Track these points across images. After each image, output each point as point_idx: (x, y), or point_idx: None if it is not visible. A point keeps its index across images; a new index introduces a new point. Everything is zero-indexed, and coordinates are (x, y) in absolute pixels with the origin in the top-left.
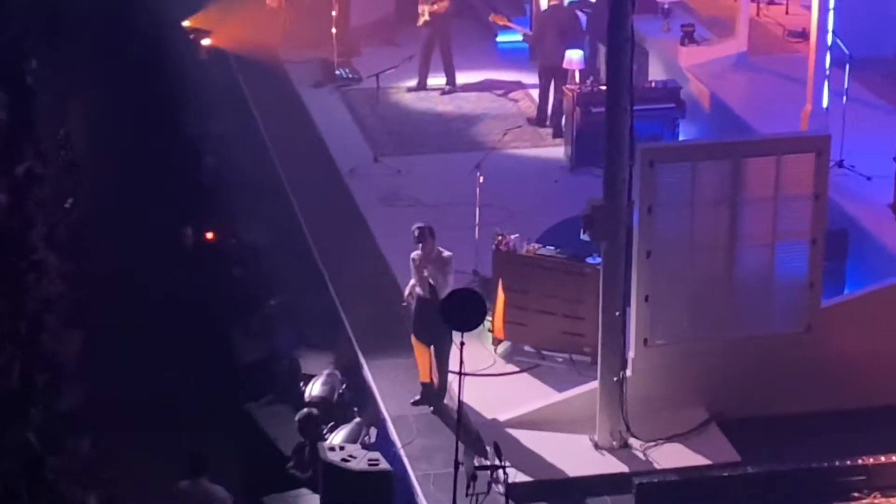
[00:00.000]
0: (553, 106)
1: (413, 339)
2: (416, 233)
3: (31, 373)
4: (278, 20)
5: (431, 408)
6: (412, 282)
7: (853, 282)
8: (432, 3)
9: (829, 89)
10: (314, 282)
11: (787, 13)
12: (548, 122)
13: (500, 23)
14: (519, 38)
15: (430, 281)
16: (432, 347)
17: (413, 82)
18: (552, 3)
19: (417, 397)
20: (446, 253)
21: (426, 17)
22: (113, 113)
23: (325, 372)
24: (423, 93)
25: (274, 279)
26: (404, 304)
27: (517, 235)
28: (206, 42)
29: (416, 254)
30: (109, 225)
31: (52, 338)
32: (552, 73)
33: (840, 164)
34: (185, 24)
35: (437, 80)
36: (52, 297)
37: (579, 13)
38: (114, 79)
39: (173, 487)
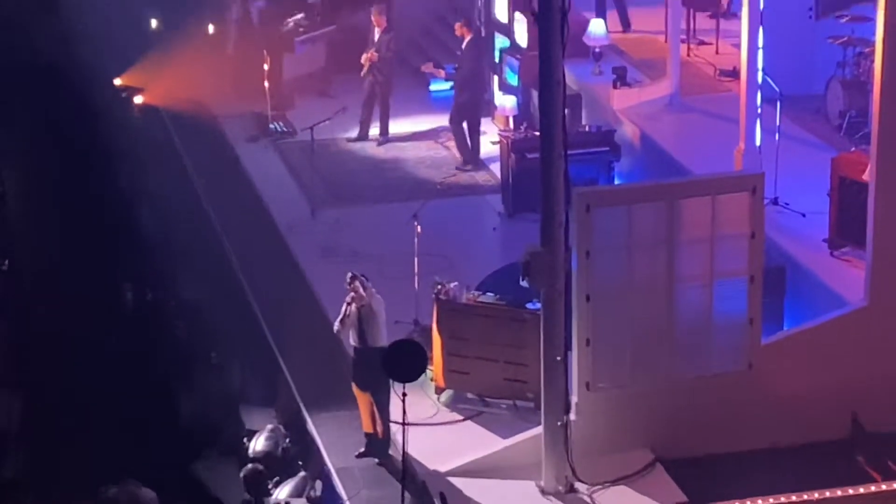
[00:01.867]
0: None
1: (354, 387)
2: (348, 279)
3: None
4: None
5: (377, 459)
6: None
7: (792, 318)
8: (370, 52)
9: (761, 127)
10: (255, 336)
11: (717, 53)
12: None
13: (429, 71)
14: (449, 85)
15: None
16: (371, 396)
17: (350, 133)
18: (469, 36)
19: (362, 449)
20: (378, 299)
21: (366, 66)
22: (47, 172)
23: (269, 427)
24: (359, 144)
25: (214, 335)
26: (335, 331)
27: (457, 283)
28: (138, 99)
29: (349, 297)
30: (46, 285)
31: None
32: (471, 109)
33: (775, 202)
34: (117, 81)
35: (376, 130)
36: None
37: (511, 58)
38: (47, 138)
39: (101, 493)
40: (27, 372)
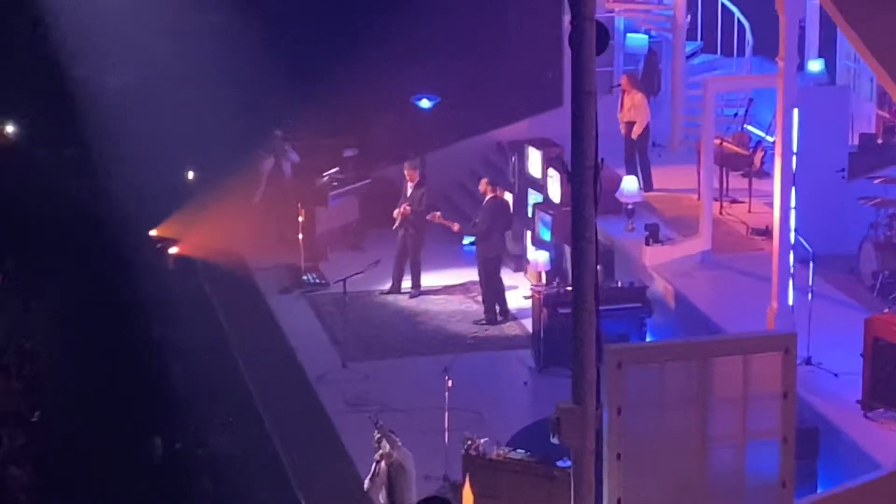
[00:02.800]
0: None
1: None
2: (376, 436)
3: None
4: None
5: None
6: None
7: (826, 480)
8: (403, 207)
9: (793, 286)
10: (283, 492)
11: (749, 211)
12: (499, 316)
13: (436, 221)
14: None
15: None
16: None
17: (382, 286)
18: (490, 195)
19: None
20: (405, 453)
21: (398, 221)
22: (78, 322)
23: None
24: (392, 296)
25: (243, 489)
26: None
27: (487, 439)
28: (172, 250)
29: (378, 455)
30: (74, 437)
31: None
32: (496, 263)
33: (808, 362)
34: (152, 233)
35: (408, 282)
36: None
37: (543, 214)
38: (79, 288)
39: None
40: None
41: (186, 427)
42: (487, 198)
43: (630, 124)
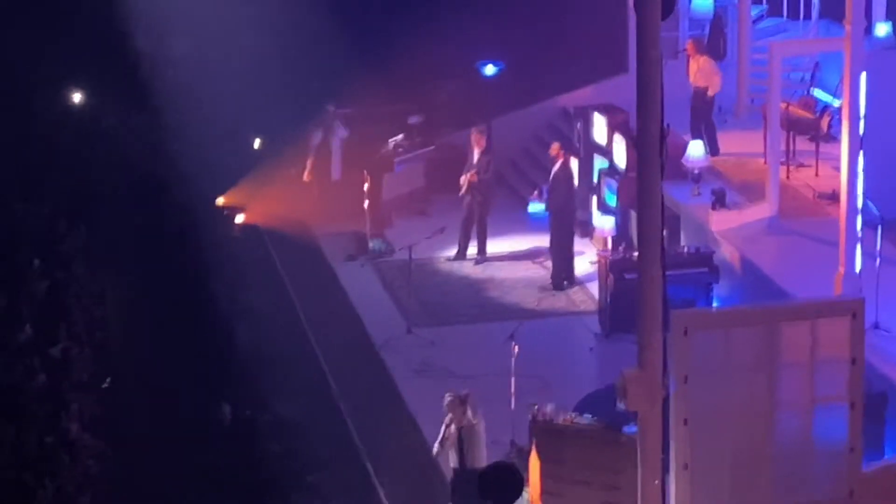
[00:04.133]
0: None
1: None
2: (447, 400)
3: None
4: (310, 194)
5: None
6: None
7: (894, 446)
8: (469, 173)
9: (861, 251)
10: (349, 455)
11: (816, 175)
12: (565, 282)
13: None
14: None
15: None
16: None
17: (447, 252)
18: (562, 160)
19: None
20: (479, 420)
21: (465, 187)
22: (147, 289)
23: None
24: (457, 263)
25: (311, 454)
26: (434, 453)
27: (553, 405)
28: (239, 218)
29: (448, 418)
30: (144, 403)
31: None
32: (569, 228)
33: (876, 327)
34: (219, 201)
35: (474, 249)
36: (86, 478)
37: (609, 179)
38: (147, 256)
39: None
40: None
41: (255, 393)
42: (559, 162)
43: (697, 89)
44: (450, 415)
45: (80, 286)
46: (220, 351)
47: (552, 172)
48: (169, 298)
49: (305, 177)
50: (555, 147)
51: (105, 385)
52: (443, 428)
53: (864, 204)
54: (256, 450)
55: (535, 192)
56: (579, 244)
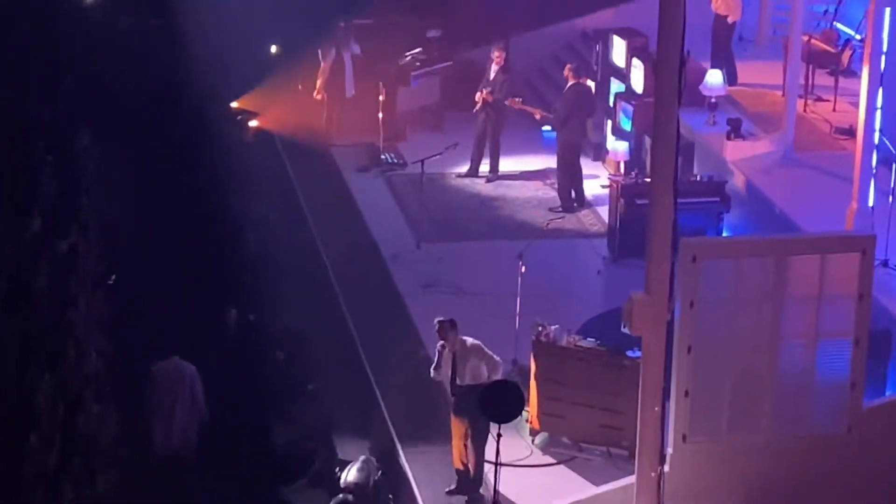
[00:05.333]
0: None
1: (453, 419)
2: (437, 327)
3: (67, 453)
4: (323, 113)
5: (466, 497)
6: (435, 362)
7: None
8: (484, 91)
9: (875, 188)
10: (353, 367)
11: (834, 110)
12: (575, 204)
13: (517, 107)
14: None
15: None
16: (469, 431)
17: (459, 168)
18: (573, 82)
19: (453, 486)
20: (470, 341)
21: (479, 104)
22: (157, 191)
23: (361, 458)
24: (469, 179)
25: (314, 363)
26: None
27: (557, 326)
28: (253, 124)
29: (439, 344)
30: (150, 304)
31: (90, 418)
32: (575, 149)
33: (885, 264)
34: (234, 105)
35: (486, 166)
36: (91, 376)
37: (625, 104)
38: (160, 158)
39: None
40: (126, 391)
41: (261, 301)
42: (570, 84)
43: (718, 16)
44: (441, 341)
45: (90, 185)
46: (228, 256)
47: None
48: (180, 201)
49: (316, 95)
50: (567, 69)
51: (110, 282)
52: (436, 353)
53: (881, 140)
54: (260, 356)
55: (519, 101)
56: (593, 168)
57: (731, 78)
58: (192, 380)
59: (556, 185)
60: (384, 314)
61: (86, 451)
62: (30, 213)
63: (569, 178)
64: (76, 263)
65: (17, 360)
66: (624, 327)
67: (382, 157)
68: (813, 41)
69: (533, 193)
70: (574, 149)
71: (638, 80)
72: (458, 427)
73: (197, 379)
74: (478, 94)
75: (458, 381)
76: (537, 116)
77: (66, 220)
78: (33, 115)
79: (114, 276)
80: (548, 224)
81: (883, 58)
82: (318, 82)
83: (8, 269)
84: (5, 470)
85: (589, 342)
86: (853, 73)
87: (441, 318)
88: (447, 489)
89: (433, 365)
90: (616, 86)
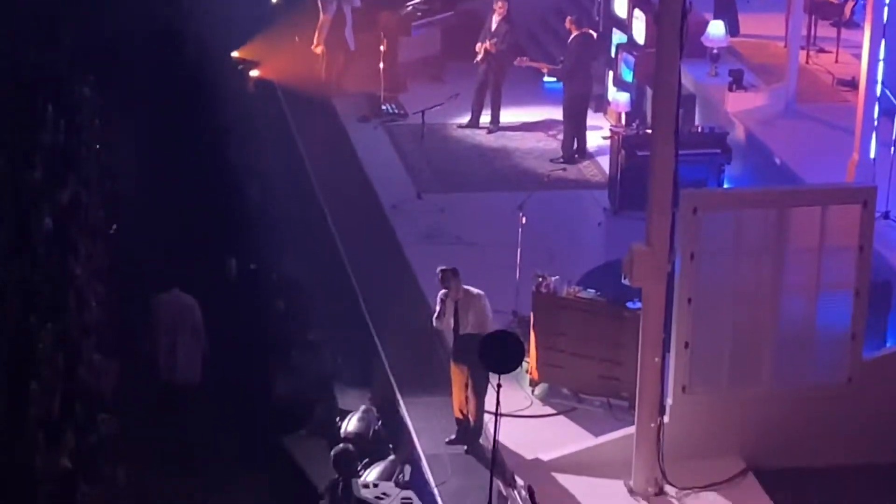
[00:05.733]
0: (578, 134)
1: (452, 368)
2: (440, 275)
3: (68, 400)
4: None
5: (466, 447)
6: (437, 311)
7: None
8: (486, 42)
9: (876, 139)
10: (353, 317)
11: (836, 62)
12: (576, 155)
13: (525, 65)
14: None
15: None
16: (469, 380)
17: (461, 119)
18: (576, 33)
19: (453, 436)
20: (475, 290)
21: (481, 55)
22: (158, 141)
23: (362, 408)
24: (469, 130)
25: (314, 313)
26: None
27: (558, 277)
28: (254, 73)
29: (442, 293)
30: (151, 254)
31: (91, 367)
32: (583, 100)
33: (886, 216)
34: (235, 55)
35: (487, 117)
36: (92, 325)
37: (627, 55)
38: (161, 107)
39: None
40: (126, 340)
41: (262, 250)
42: (573, 35)
43: None
44: (444, 290)
45: (91, 134)
46: (228, 206)
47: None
48: (180, 150)
49: (315, 48)
50: (568, 21)
51: (112, 231)
52: (438, 302)
53: (882, 92)
54: (260, 306)
55: (526, 59)
56: (593, 119)
57: (733, 29)
58: (191, 311)
59: (558, 136)
60: (384, 264)
61: (87, 398)
62: (31, 163)
63: (574, 129)
64: (77, 213)
65: (19, 308)
66: (624, 279)
67: (383, 107)
68: None
69: (534, 144)
70: (582, 100)
71: (640, 31)
72: (457, 376)
73: (197, 310)
74: (479, 44)
75: (459, 331)
76: (545, 70)
77: (67, 171)
78: (34, 65)
79: (115, 226)
80: (548, 176)
81: (885, 9)
82: (318, 36)
83: (9, 219)
84: (7, 417)
85: (589, 293)
86: (856, 25)
87: (444, 267)
88: (447, 439)
89: (435, 314)
90: (618, 37)
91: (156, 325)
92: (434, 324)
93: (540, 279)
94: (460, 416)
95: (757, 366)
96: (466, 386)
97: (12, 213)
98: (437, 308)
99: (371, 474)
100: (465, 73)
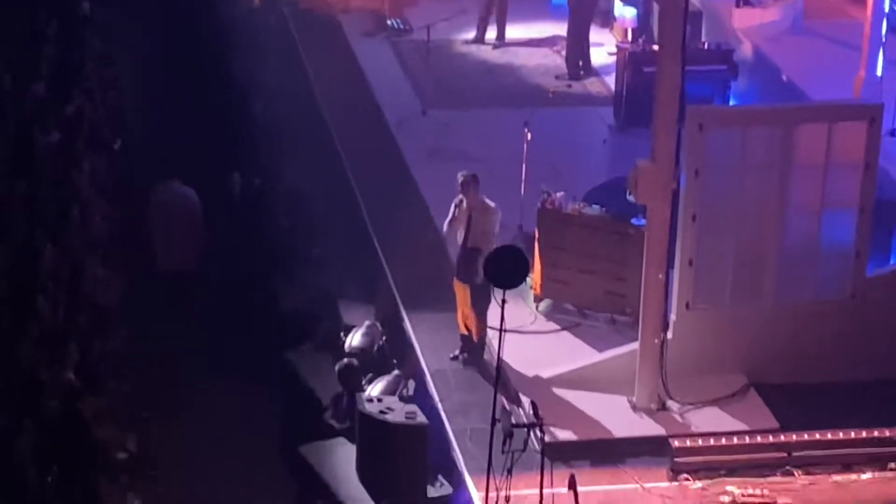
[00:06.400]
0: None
1: (456, 283)
2: (460, 181)
3: (73, 314)
4: None
5: (467, 359)
6: (449, 216)
7: None
8: None
9: (884, 56)
10: (358, 232)
11: None
12: (581, 71)
13: None
14: None
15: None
16: (470, 296)
17: (466, 35)
18: None
19: (456, 352)
20: (491, 203)
21: None
22: (162, 56)
23: (366, 323)
24: (475, 46)
25: (318, 229)
26: (443, 232)
27: (563, 193)
28: None
29: (458, 198)
30: (154, 169)
31: (95, 281)
32: (589, 16)
33: (892, 134)
34: None
35: (493, 33)
36: (96, 239)
37: None
38: (165, 22)
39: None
40: (130, 254)
41: (266, 166)
42: None
43: None
44: (461, 196)
45: (95, 47)
46: (233, 121)
47: None
48: (185, 67)
49: None
50: None
51: (116, 146)
52: (452, 208)
53: (890, 9)
54: (265, 221)
55: None
56: (599, 35)
57: None
58: (190, 201)
59: (563, 53)
60: (389, 180)
61: (92, 312)
62: (34, 77)
63: (578, 45)
64: (81, 127)
65: (23, 223)
66: (629, 195)
67: (389, 22)
68: None
69: (540, 61)
70: (586, 15)
71: None
72: (461, 291)
73: (195, 200)
74: None
75: (468, 243)
76: None
77: (71, 85)
78: None
79: (119, 141)
80: (553, 92)
81: None
82: None
83: (13, 133)
84: (12, 329)
85: (594, 210)
86: None
87: (465, 173)
88: (451, 355)
89: (447, 219)
90: None
91: (153, 215)
92: (444, 228)
93: (545, 195)
94: (465, 331)
95: (760, 282)
96: (468, 301)
97: (16, 128)
98: (450, 214)
99: (375, 389)
100: None
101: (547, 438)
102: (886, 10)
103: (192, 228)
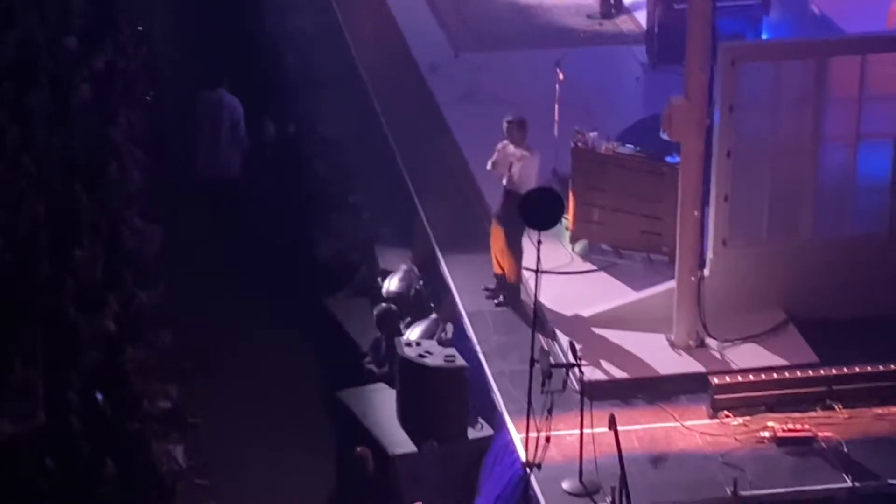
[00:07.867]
0: None
1: (494, 223)
2: (505, 126)
3: (112, 266)
4: None
5: (503, 300)
6: (495, 156)
7: None
8: None
9: None
10: (393, 177)
11: None
12: (613, 9)
13: None
14: None
15: (515, 176)
16: (504, 236)
17: None
18: None
19: (491, 286)
20: (534, 150)
21: None
22: (194, 5)
23: (403, 267)
24: None
25: (353, 175)
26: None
27: (596, 133)
28: None
29: (502, 144)
30: (189, 119)
31: (134, 233)
32: None
33: None
34: None
35: None
36: (134, 192)
37: None
38: None
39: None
40: (168, 206)
41: (300, 112)
42: None
43: None
44: (505, 140)
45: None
46: (266, 68)
47: None
48: (216, 16)
49: None
50: None
51: (148, 98)
52: (496, 151)
53: None
54: (300, 167)
55: None
56: None
57: None
58: (233, 110)
59: None
60: (423, 124)
61: (131, 264)
62: (65, 30)
63: None
64: (114, 80)
65: (61, 177)
66: (663, 133)
67: None
68: None
69: (570, 1)
70: None
71: None
72: (496, 232)
73: (239, 108)
74: None
75: (505, 185)
76: None
77: (103, 38)
78: None
79: (151, 93)
80: (585, 31)
81: None
82: None
83: (47, 87)
84: (52, 282)
85: (628, 148)
86: None
87: (511, 117)
88: (486, 295)
89: (491, 159)
90: None
91: (197, 120)
92: (488, 166)
93: (578, 135)
94: (500, 272)
95: (797, 218)
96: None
97: (50, 81)
98: (494, 156)
99: (413, 333)
100: None
101: (586, 378)
102: None
103: (237, 134)
